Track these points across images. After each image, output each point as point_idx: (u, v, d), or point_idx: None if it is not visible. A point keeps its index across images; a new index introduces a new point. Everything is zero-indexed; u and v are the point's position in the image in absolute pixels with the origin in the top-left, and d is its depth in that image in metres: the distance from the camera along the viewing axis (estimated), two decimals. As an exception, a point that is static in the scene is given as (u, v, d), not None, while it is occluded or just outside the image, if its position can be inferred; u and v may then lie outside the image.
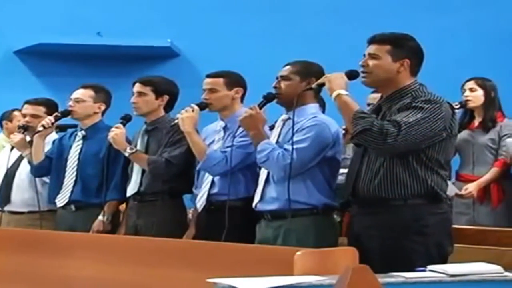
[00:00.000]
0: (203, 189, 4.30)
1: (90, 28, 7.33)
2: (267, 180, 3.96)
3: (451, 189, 5.20)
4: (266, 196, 3.94)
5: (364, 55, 3.63)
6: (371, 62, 3.58)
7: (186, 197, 4.65)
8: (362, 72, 3.61)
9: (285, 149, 3.83)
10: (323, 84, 3.70)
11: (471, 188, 5.17)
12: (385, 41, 3.59)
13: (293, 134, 3.81)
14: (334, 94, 3.58)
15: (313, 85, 3.81)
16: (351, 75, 3.67)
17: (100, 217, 4.72)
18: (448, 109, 3.52)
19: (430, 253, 3.44)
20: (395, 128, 3.39)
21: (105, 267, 3.84)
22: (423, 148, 3.47)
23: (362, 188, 3.57)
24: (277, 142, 3.96)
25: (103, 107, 4.99)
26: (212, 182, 4.27)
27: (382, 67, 3.57)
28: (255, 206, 3.99)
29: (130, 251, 3.86)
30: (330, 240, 3.79)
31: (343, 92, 3.57)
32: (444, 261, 3.41)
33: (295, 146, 3.81)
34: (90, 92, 4.97)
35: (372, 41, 3.63)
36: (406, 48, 3.60)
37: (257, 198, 3.99)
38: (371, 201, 3.55)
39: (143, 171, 4.60)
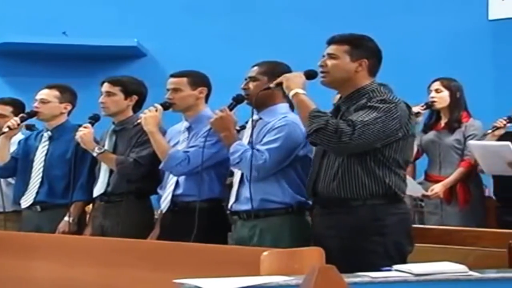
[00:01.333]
0: (168, 190, 4.29)
1: (55, 27, 7.26)
2: (241, 181, 3.97)
3: (418, 190, 5.25)
4: (241, 196, 3.95)
5: (323, 56, 3.66)
6: (329, 62, 3.62)
7: (154, 198, 4.63)
8: (321, 72, 3.64)
9: (258, 150, 3.85)
10: (281, 83, 3.72)
11: (437, 189, 5.21)
12: (344, 41, 3.62)
13: (251, 135, 3.82)
14: (292, 93, 3.62)
15: (271, 85, 3.83)
16: (310, 74, 3.71)
17: (66, 218, 4.69)
18: (404, 109, 3.54)
19: (389, 253, 3.46)
20: (350, 127, 3.41)
21: (70, 268, 3.81)
22: (379, 147, 3.49)
23: (321, 188, 3.59)
24: (249, 143, 3.97)
25: (69, 107, 4.96)
26: (177, 183, 4.26)
27: (341, 67, 3.60)
28: (231, 206, 4.00)
29: (96, 252, 3.83)
30: (305, 239, 3.79)
31: (300, 91, 3.61)
32: (403, 260, 3.43)
33: (267, 147, 3.83)
34: (55, 93, 4.93)
35: (331, 41, 3.66)
36: (364, 49, 3.63)
37: (232, 199, 4.00)
38: (330, 202, 3.58)
39: (111, 172, 4.57)
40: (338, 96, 4.68)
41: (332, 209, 3.58)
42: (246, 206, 3.89)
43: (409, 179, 5.11)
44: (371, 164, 3.51)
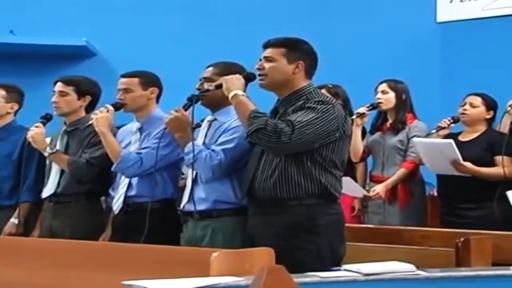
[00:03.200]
0: (120, 191, 4.26)
1: (3, 26, 7.15)
2: (194, 181, 3.95)
3: (360, 191, 5.30)
4: (194, 196, 3.93)
5: (260, 59, 3.70)
6: (267, 65, 3.67)
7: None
8: (259, 75, 3.69)
9: (213, 150, 3.85)
10: (220, 85, 3.75)
11: (378, 189, 5.26)
12: (280, 44, 3.69)
13: (205, 136, 3.83)
14: (231, 94, 3.67)
15: (211, 87, 3.85)
16: (248, 77, 3.77)
17: (13, 219, 4.63)
18: (341, 110, 3.61)
19: (321, 253, 3.51)
20: (289, 127, 3.46)
21: (18, 270, 3.75)
22: (316, 148, 3.54)
23: (258, 188, 3.62)
24: (203, 143, 3.96)
25: (15, 107, 4.89)
26: (129, 184, 4.24)
27: (278, 69, 3.65)
28: (183, 206, 3.99)
29: (44, 253, 3.78)
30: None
31: (239, 92, 3.66)
32: (335, 261, 3.48)
33: (222, 147, 3.84)
34: (2, 92, 4.87)
35: (268, 45, 3.72)
36: (300, 51, 3.69)
37: (185, 199, 3.99)
38: (266, 201, 3.61)
39: (62, 172, 4.53)
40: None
41: (267, 209, 3.61)
42: (199, 206, 3.88)
43: (350, 180, 5.20)
44: (307, 164, 3.55)
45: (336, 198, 3.65)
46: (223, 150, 3.83)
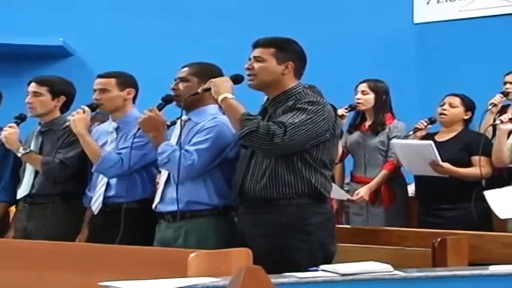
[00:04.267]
0: (98, 192, 4.24)
1: (-22, 25, 7.11)
2: (167, 181, 3.94)
3: (343, 195, 5.31)
4: (167, 197, 3.92)
5: (250, 59, 3.69)
6: (256, 65, 3.66)
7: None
8: (248, 75, 3.68)
9: (186, 151, 3.83)
10: (209, 89, 3.73)
11: (362, 192, 5.26)
12: (270, 44, 3.68)
13: (180, 136, 3.83)
14: (221, 97, 3.64)
15: (199, 90, 3.83)
16: (236, 79, 3.75)
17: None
18: (331, 111, 3.62)
19: (314, 252, 3.51)
20: (281, 129, 3.46)
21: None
22: (307, 148, 3.55)
23: (248, 189, 3.62)
24: (177, 143, 3.94)
25: (-7, 108, 4.86)
26: (108, 184, 4.22)
27: (267, 69, 3.64)
28: (155, 207, 3.97)
29: (19, 254, 3.74)
30: (231, 240, 3.77)
31: (229, 95, 3.64)
32: (327, 259, 3.49)
33: (195, 147, 3.82)
34: (-21, 93, 4.83)
35: (257, 44, 3.71)
36: (289, 51, 3.69)
37: (157, 199, 3.97)
38: (257, 202, 3.61)
39: (36, 173, 4.50)
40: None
41: (258, 209, 3.61)
42: (172, 207, 3.86)
43: (333, 185, 5.20)
44: (298, 164, 3.56)
45: (326, 198, 3.66)
46: (196, 150, 3.81)
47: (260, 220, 3.59)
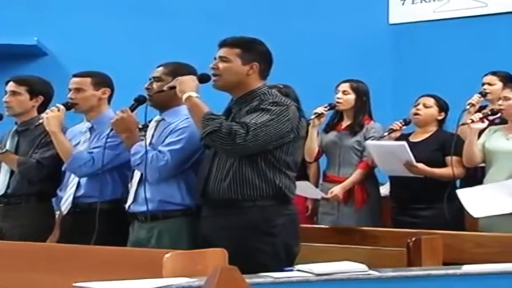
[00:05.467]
0: (69, 192, 4.22)
1: (-48, 24, 7.05)
2: (140, 182, 3.93)
3: (317, 193, 5.32)
4: (139, 197, 3.91)
5: (215, 58, 3.68)
6: (221, 65, 3.65)
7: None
8: (213, 75, 3.68)
9: (159, 151, 3.82)
10: (174, 87, 3.73)
11: (336, 191, 5.27)
12: (235, 44, 3.67)
13: (152, 136, 3.81)
14: (185, 96, 3.64)
15: (165, 88, 3.83)
16: (203, 78, 3.75)
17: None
18: (295, 112, 3.62)
19: (278, 253, 3.52)
20: (244, 129, 3.46)
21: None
22: (271, 149, 3.55)
23: (212, 189, 3.62)
24: (150, 143, 3.93)
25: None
26: (78, 184, 4.20)
27: (232, 70, 3.64)
28: (128, 207, 3.96)
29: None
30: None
31: (193, 94, 3.64)
32: (291, 261, 3.50)
33: (168, 148, 3.81)
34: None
35: (223, 44, 3.70)
36: (255, 52, 3.68)
37: (130, 199, 3.96)
38: (221, 203, 3.61)
39: (12, 173, 4.47)
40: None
41: (222, 210, 3.61)
42: (144, 208, 3.85)
43: (309, 184, 5.22)
44: (261, 165, 3.56)
45: (290, 199, 3.66)
46: (169, 151, 3.80)
47: (224, 222, 3.59)
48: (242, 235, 3.52)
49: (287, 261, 3.44)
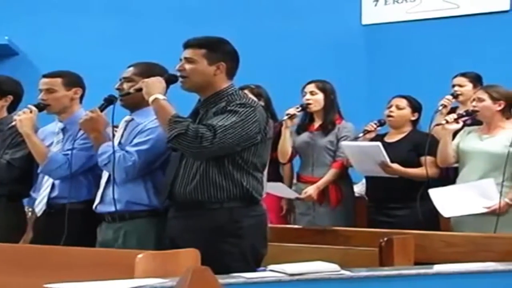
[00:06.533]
0: (43, 193, 4.19)
1: None
2: (108, 182, 3.91)
3: (291, 194, 5.33)
4: (107, 198, 3.89)
5: (181, 59, 3.65)
6: (187, 66, 3.62)
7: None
8: (180, 76, 3.64)
9: (127, 151, 3.80)
10: (140, 89, 3.70)
11: (310, 191, 5.29)
12: (201, 45, 3.64)
13: (122, 136, 3.79)
14: (151, 98, 3.61)
15: (131, 90, 3.81)
16: (170, 79, 3.71)
17: None
18: (263, 113, 3.60)
19: (245, 255, 3.51)
20: (211, 131, 3.43)
21: None
22: (238, 151, 3.52)
23: (178, 191, 3.59)
24: (119, 143, 3.91)
25: None
26: (53, 185, 4.17)
27: (199, 71, 3.61)
28: (95, 208, 3.94)
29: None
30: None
31: (160, 96, 3.60)
32: (258, 263, 3.50)
33: (136, 148, 3.79)
34: None
35: (187, 45, 3.66)
36: (221, 52, 3.65)
37: (97, 200, 3.94)
38: (187, 205, 3.58)
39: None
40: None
41: (188, 212, 3.59)
42: (112, 208, 3.83)
43: (283, 186, 5.22)
44: (229, 167, 3.53)
45: (258, 201, 3.63)
46: (137, 151, 3.78)
47: (190, 224, 3.57)
48: (209, 236, 3.49)
49: (254, 263, 3.43)
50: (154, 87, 3.63)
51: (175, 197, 3.62)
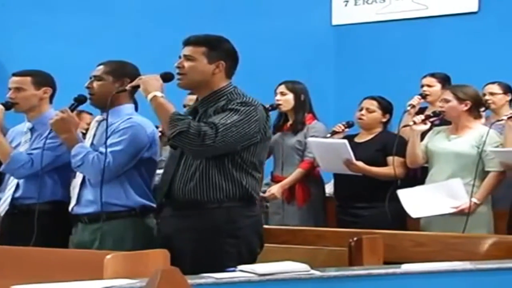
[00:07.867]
0: (7, 193, 4.16)
1: None
2: (83, 183, 3.88)
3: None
4: (83, 199, 3.86)
5: (180, 57, 3.62)
6: (186, 64, 3.58)
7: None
8: (178, 74, 3.60)
9: (100, 152, 3.77)
10: (137, 86, 3.67)
11: (274, 190, 5.33)
12: (201, 43, 3.60)
13: (107, 138, 3.75)
14: (150, 96, 3.56)
15: (127, 87, 3.77)
16: (166, 77, 3.66)
17: None
18: (263, 112, 3.58)
19: (242, 255, 3.50)
20: (213, 130, 3.41)
21: None
22: (238, 150, 3.51)
23: (177, 190, 3.56)
24: (91, 144, 3.89)
25: None
26: (17, 185, 4.13)
27: (198, 69, 3.57)
28: (72, 209, 3.91)
29: None
30: (148, 242, 3.74)
31: (158, 94, 3.56)
32: (253, 260, 3.48)
33: (110, 149, 3.76)
34: None
35: (188, 42, 3.62)
36: (221, 50, 3.62)
37: (73, 201, 3.91)
38: (185, 204, 3.56)
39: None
40: (190, 97, 4.71)
41: (186, 212, 3.55)
42: (88, 209, 3.81)
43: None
44: (229, 166, 3.52)
45: (255, 200, 3.62)
46: (111, 152, 3.75)
47: (188, 223, 3.54)
48: (207, 236, 3.48)
49: (250, 262, 3.38)
50: (152, 84, 3.59)
51: (172, 196, 3.59)
